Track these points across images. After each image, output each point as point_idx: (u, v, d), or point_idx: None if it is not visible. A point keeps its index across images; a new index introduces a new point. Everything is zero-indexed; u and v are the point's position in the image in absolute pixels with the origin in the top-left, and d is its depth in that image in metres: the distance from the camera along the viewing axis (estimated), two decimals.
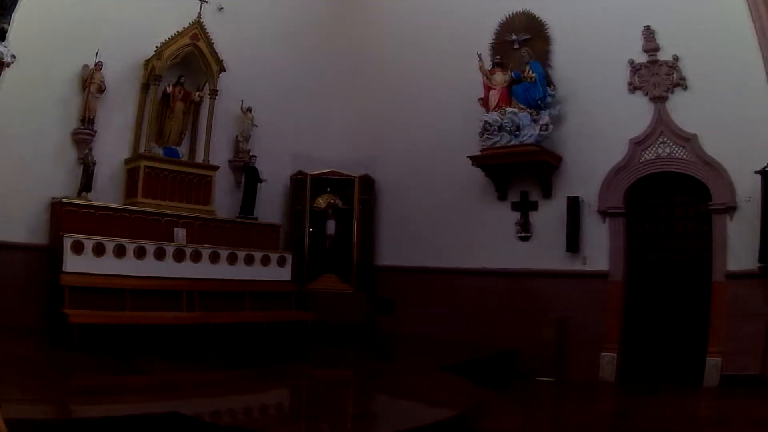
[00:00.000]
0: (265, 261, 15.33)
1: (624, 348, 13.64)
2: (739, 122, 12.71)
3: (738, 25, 12.89)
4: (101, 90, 13.80)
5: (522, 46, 15.44)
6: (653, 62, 13.92)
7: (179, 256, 13.77)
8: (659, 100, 13.75)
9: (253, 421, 7.55)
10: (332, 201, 16.91)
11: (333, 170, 17.18)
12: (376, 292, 17.15)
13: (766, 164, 12.04)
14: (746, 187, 12.47)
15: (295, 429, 7.29)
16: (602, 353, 13.51)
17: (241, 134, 16.24)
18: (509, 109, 14.57)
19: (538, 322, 13.95)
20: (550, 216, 14.60)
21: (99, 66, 13.74)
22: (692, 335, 13.00)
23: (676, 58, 13.65)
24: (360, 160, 17.51)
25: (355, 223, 17.09)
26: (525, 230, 14.93)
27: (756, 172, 12.10)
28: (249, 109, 16.22)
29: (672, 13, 13.63)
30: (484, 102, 15.15)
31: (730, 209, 12.81)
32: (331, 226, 16.94)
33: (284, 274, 15.71)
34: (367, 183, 17.42)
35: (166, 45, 14.53)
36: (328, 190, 17.12)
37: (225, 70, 15.35)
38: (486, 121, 14.75)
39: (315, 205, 17.01)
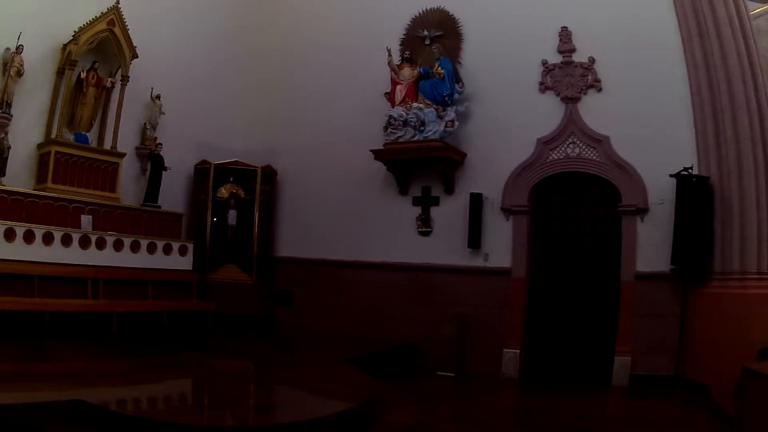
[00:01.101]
0: (167, 250, 14.54)
1: (528, 345, 13.35)
2: (654, 125, 12.63)
3: (659, 30, 12.87)
4: (20, 74, 12.99)
5: (433, 42, 14.89)
6: (568, 63, 13.59)
7: (85, 243, 13.04)
8: (571, 100, 13.45)
9: (158, 411, 7.37)
10: (234, 191, 16.04)
11: (236, 160, 16.40)
12: (275, 283, 16.58)
13: (681, 168, 11.99)
14: (660, 189, 12.36)
15: (199, 418, 7.04)
16: (505, 349, 13.23)
17: (148, 121, 15.46)
18: (415, 105, 14.05)
19: (439, 317, 13.55)
20: (451, 212, 14.15)
21: (20, 50, 12.94)
22: (600, 334, 12.80)
23: (592, 60, 13.41)
24: (264, 150, 16.76)
25: (256, 213, 16.42)
26: (426, 225, 14.46)
27: (671, 176, 12.02)
28: (158, 97, 15.43)
29: (591, 16, 13.40)
30: (391, 96, 14.56)
31: (641, 211, 12.68)
32: (232, 216, 16.12)
33: (185, 263, 14.96)
34: (270, 174, 16.67)
35: (83, 30, 13.75)
36: (231, 180, 16.13)
37: (137, 57, 14.66)
38: (391, 116, 14.20)
39: (218, 195, 16.27)
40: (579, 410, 10.65)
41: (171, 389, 8.80)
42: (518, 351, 13.24)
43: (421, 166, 14.36)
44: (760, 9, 18.40)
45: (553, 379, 12.75)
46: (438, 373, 13.13)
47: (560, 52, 13.73)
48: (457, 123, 13.96)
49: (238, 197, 16.31)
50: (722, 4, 12.35)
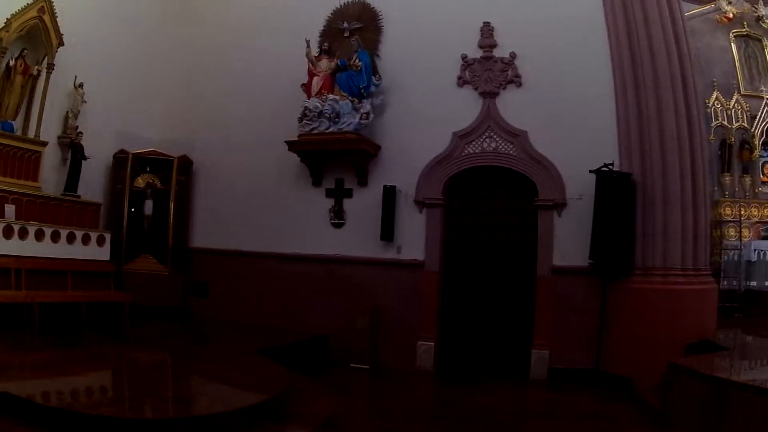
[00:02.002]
0: (86, 240, 14.03)
1: (443, 338, 13.09)
2: (576, 122, 12.58)
3: (586, 27, 12.87)
4: None
5: (353, 34, 14.42)
6: (488, 58, 13.29)
7: (8, 232, 12.41)
8: (490, 95, 13.19)
9: (81, 403, 7.18)
10: (151, 181, 15.50)
11: (153, 150, 15.80)
12: (191, 274, 15.99)
13: (602, 164, 11.87)
14: (579, 185, 12.28)
15: (120, 411, 6.82)
16: (419, 342, 12.95)
17: (71, 110, 15.20)
18: (331, 96, 13.51)
19: (353, 309, 13.17)
20: (365, 204, 13.74)
21: None
22: (517, 328, 12.68)
23: (513, 56, 13.19)
24: (182, 140, 16.20)
25: (171, 204, 15.83)
26: (338, 217, 14.01)
27: (591, 171, 11.87)
28: (81, 85, 14.99)
29: (516, 11, 13.25)
30: (307, 88, 13.99)
31: (559, 206, 12.59)
32: (149, 207, 15.35)
33: (103, 253, 14.40)
34: (186, 164, 16.06)
35: (15, 16, 13.28)
36: (148, 169, 15.37)
37: (63, 45, 14.46)
38: (306, 107, 13.64)
39: (135, 185, 15.65)
40: (496, 403, 10.55)
41: (93, 381, 8.58)
42: (433, 344, 12.96)
43: (335, 157, 13.78)
44: (695, 10, 18.51)
45: (470, 372, 12.52)
46: (352, 365, 12.86)
47: (481, 47, 13.46)
48: (372, 115, 13.43)
49: (155, 187, 15.72)
50: (654, 4, 12.23)
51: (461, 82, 13.47)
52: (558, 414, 10.15)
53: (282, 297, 14.27)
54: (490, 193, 13.27)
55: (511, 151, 12.97)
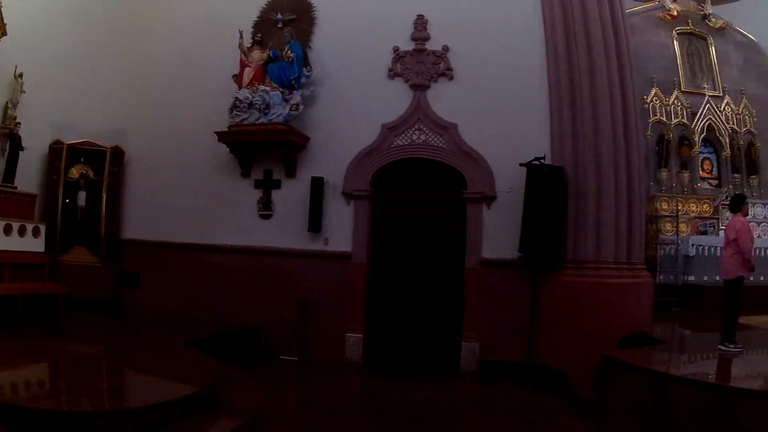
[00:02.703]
0: (22, 231, 13.84)
1: (372, 330, 13.13)
2: (508, 115, 12.63)
3: (522, 21, 12.96)
4: None
5: (286, 25, 14.26)
6: (420, 51, 13.27)
7: None
8: (420, 88, 13.17)
9: (20, 397, 6.98)
10: (85, 172, 15.53)
11: (87, 140, 15.47)
12: (123, 265, 15.75)
13: (533, 157, 11.93)
14: (510, 178, 12.31)
15: (58, 404, 6.71)
16: (347, 334, 12.91)
17: (10, 100, 15.09)
18: (262, 87, 13.38)
19: (282, 300, 13.12)
20: (293, 195, 13.63)
21: None
22: (447, 320, 12.69)
23: (446, 49, 13.18)
24: (116, 131, 15.96)
25: (104, 195, 15.44)
26: (267, 209, 13.86)
27: (521, 165, 11.93)
28: (20, 75, 15.04)
29: (450, 4, 13.29)
30: (239, 79, 13.90)
31: (488, 198, 12.63)
32: (82, 198, 14.98)
33: (38, 245, 14.34)
34: (118, 155, 15.78)
35: None
36: (82, 160, 15.29)
37: (6, 34, 14.32)
38: (237, 98, 13.52)
39: (69, 176, 15.36)
40: (426, 395, 10.55)
41: (30, 374, 8.40)
42: (361, 335, 12.94)
43: (265, 149, 13.62)
44: (638, 7, 18.48)
45: (399, 365, 12.51)
46: (282, 357, 12.79)
47: (414, 39, 13.42)
48: (302, 107, 13.38)
49: (88, 178, 15.61)
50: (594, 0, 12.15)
51: (392, 74, 13.39)
52: (490, 406, 10.10)
53: (212, 288, 14.04)
54: (419, 185, 13.19)
55: (440, 144, 12.93)
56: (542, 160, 11.99)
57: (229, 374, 8.85)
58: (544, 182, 11.85)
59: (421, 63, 13.26)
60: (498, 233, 12.44)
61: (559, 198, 11.93)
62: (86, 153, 15.36)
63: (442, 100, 13.06)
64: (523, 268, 12.23)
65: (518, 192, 12.12)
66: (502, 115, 12.63)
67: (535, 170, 11.89)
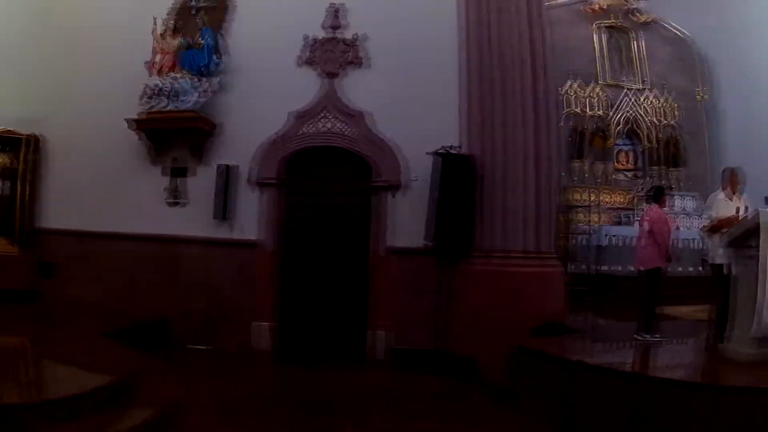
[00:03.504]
0: None
1: (282, 319, 12.91)
2: (419, 104, 12.48)
3: (437, 11, 12.87)
4: None
5: (201, 12, 14.15)
6: (331, 39, 13.15)
7: None
8: (330, 75, 13.03)
9: None
10: (2, 160, 15.70)
11: (5, 129, 15.19)
12: (41, 255, 15.44)
13: (440, 146, 11.90)
14: (420, 166, 12.29)
15: None
16: (257, 323, 12.76)
17: None
18: (172, 74, 13.22)
19: (192, 289, 12.92)
20: (201, 183, 13.46)
21: None
22: (356, 308, 12.56)
23: (356, 37, 13.07)
24: (35, 118, 15.55)
25: (20, 183, 15.13)
26: (175, 196, 13.74)
27: (428, 153, 11.94)
28: None
29: None
30: (151, 66, 13.90)
31: (395, 187, 12.56)
32: None
33: None
34: (35, 143, 15.48)
35: None
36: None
37: None
38: (147, 85, 13.31)
39: None
40: (336, 384, 10.53)
41: None
42: (270, 324, 12.80)
43: (174, 136, 13.52)
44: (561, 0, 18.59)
45: (309, 353, 12.40)
46: (193, 346, 12.59)
47: (326, 27, 13.31)
48: (211, 94, 13.18)
49: (6, 167, 15.57)
50: None
51: (302, 62, 13.25)
52: (401, 394, 10.13)
53: (125, 278, 13.78)
54: (326, 173, 13.16)
55: (348, 132, 12.86)
56: (451, 149, 12.06)
57: (145, 364, 8.83)
58: (453, 171, 11.85)
59: (331, 51, 13.14)
60: (405, 222, 12.43)
61: (467, 187, 11.91)
62: (4, 141, 15.15)
63: (351, 88, 13.00)
64: (431, 257, 12.17)
65: (426, 181, 12.13)
66: (413, 103, 12.53)
67: (444, 159, 11.91)
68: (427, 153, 11.97)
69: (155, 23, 13.79)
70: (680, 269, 17.21)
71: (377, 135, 12.67)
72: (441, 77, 12.60)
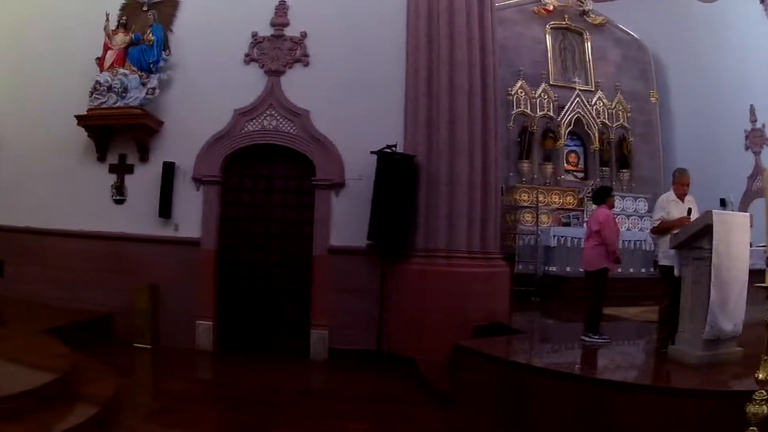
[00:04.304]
0: None
1: (222, 317, 12.92)
2: (363, 103, 12.63)
3: (385, 11, 13.04)
4: None
5: (151, 8, 14.06)
6: (278, 37, 13.18)
7: None
8: (275, 74, 13.06)
9: None
10: None
11: None
12: None
13: (383, 145, 11.95)
14: (362, 165, 12.25)
15: None
16: (198, 321, 12.75)
17: None
18: (121, 71, 13.09)
19: (134, 287, 12.83)
20: (146, 180, 13.37)
21: None
22: (296, 307, 12.61)
23: (303, 35, 13.13)
24: None
25: None
26: (120, 194, 13.57)
27: (372, 152, 11.91)
28: None
29: None
30: (101, 62, 13.76)
31: (337, 186, 12.62)
32: None
33: None
34: None
35: None
36: None
37: None
38: (97, 81, 13.14)
39: None
40: (277, 383, 10.50)
41: None
42: (211, 323, 12.78)
43: (120, 133, 13.49)
44: (512, 0, 18.71)
45: (250, 352, 12.43)
46: (135, 344, 12.53)
47: (273, 25, 13.32)
48: (158, 91, 13.14)
49: None
50: None
51: (248, 59, 13.28)
52: (340, 394, 10.16)
53: (69, 275, 13.67)
54: (268, 171, 13.14)
55: (291, 130, 12.91)
56: (394, 148, 12.11)
57: (84, 362, 8.87)
58: (395, 170, 11.89)
59: (277, 48, 13.18)
60: (347, 221, 12.48)
61: (409, 186, 11.99)
62: None
63: (296, 86, 13.02)
64: (372, 256, 12.27)
65: (369, 180, 12.08)
66: (358, 102, 12.64)
67: (385, 158, 11.93)
68: (371, 152, 11.94)
69: (107, 19, 13.68)
70: (631, 270, 17.44)
71: (321, 133, 12.72)
72: (387, 76, 12.72)
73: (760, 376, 5.19)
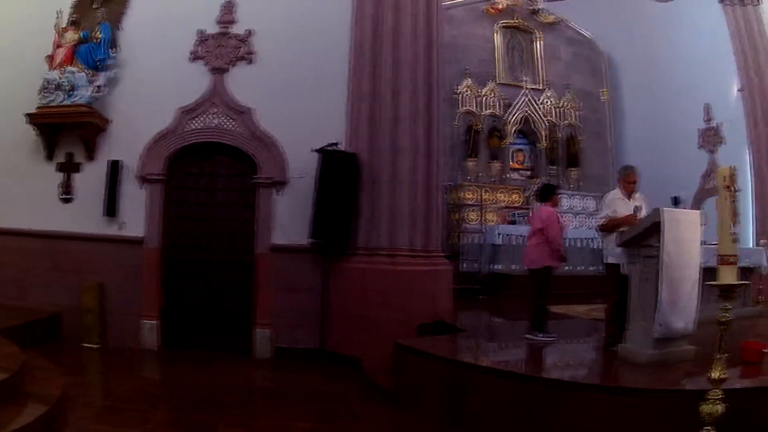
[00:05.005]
0: None
1: (167, 316, 12.89)
2: (306, 100, 12.74)
3: (331, 9, 13.21)
4: None
5: (101, 6, 14.02)
6: (224, 34, 13.22)
7: None
8: (219, 71, 13.12)
9: None
10: None
11: None
12: None
13: (326, 143, 12.06)
14: (306, 163, 12.34)
15: None
16: (143, 320, 12.73)
17: None
18: (69, 69, 13.08)
19: (81, 287, 12.78)
20: (92, 179, 13.33)
21: None
22: (240, 306, 12.63)
23: (249, 33, 13.18)
24: None
25: None
26: (67, 192, 13.65)
27: (314, 150, 12.00)
28: None
29: None
30: (51, 59, 13.78)
31: (279, 184, 12.70)
32: None
33: None
34: None
35: None
36: None
37: None
38: (46, 79, 13.37)
39: None
40: (222, 382, 10.52)
41: None
42: (156, 322, 12.81)
43: (68, 131, 13.52)
44: None
45: (195, 351, 12.41)
46: (83, 343, 12.49)
47: (219, 22, 13.38)
48: (106, 89, 13.23)
49: None
50: None
51: (194, 57, 13.33)
52: (285, 393, 10.22)
53: (17, 274, 13.70)
54: (211, 169, 13.22)
55: (235, 128, 12.99)
56: (337, 146, 12.28)
57: (33, 362, 8.90)
58: (338, 168, 12.02)
59: (222, 46, 13.23)
60: (289, 219, 12.58)
61: (351, 184, 12.15)
62: None
63: (240, 84, 13.12)
64: (315, 255, 12.36)
65: (312, 178, 12.20)
66: (301, 100, 12.75)
67: (328, 156, 12.05)
68: (312, 150, 12.04)
69: (58, 17, 13.77)
70: (580, 268, 17.61)
71: (264, 131, 12.82)
72: (332, 74, 12.85)
73: (714, 375, 5.17)
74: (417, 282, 11.79)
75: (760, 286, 13.70)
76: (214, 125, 13.08)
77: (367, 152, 12.30)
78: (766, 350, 8.23)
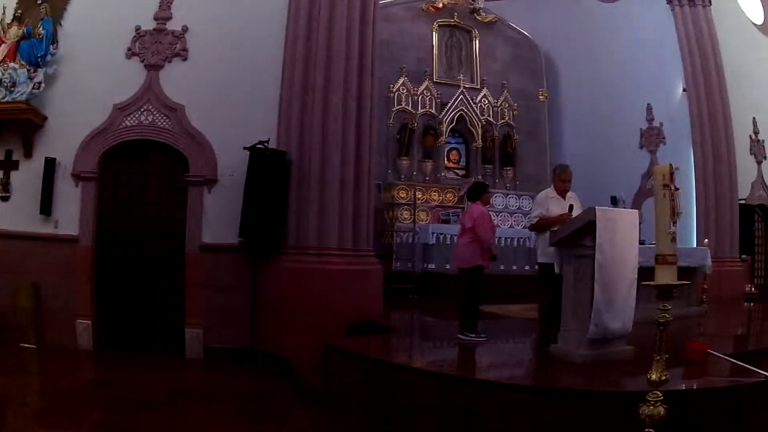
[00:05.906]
0: None
1: (101, 316, 12.84)
2: (238, 98, 12.90)
3: (265, 5, 13.43)
4: None
5: (44, 2, 14.04)
6: (160, 31, 13.24)
7: None
8: (154, 68, 13.14)
9: None
10: None
11: None
12: None
13: (257, 141, 12.16)
14: (236, 162, 12.44)
15: None
16: (78, 320, 12.65)
17: None
18: (11, 65, 13.32)
19: (16, 286, 12.71)
20: (29, 176, 13.25)
21: None
22: (171, 306, 12.61)
23: (184, 29, 13.26)
24: None
25: None
26: (5, 190, 13.61)
27: (245, 148, 12.08)
28: None
29: None
30: None
31: (209, 182, 12.80)
32: None
33: None
34: None
35: None
36: None
37: None
38: None
39: None
40: (153, 383, 10.55)
41: None
42: (90, 322, 12.74)
43: (7, 128, 13.56)
44: None
45: (128, 351, 12.42)
46: (21, 345, 12.35)
47: (156, 18, 13.39)
48: (44, 85, 13.28)
49: None
50: None
51: (130, 53, 13.32)
52: (214, 393, 10.32)
53: None
54: (144, 167, 13.21)
55: (167, 125, 13.04)
56: (266, 144, 12.30)
57: None
58: (267, 166, 12.12)
59: (158, 43, 13.26)
60: (219, 218, 12.67)
61: (280, 182, 12.32)
62: None
63: (174, 81, 13.16)
64: (245, 254, 12.44)
65: (242, 176, 12.28)
66: (233, 98, 12.89)
67: (257, 154, 12.13)
68: (244, 148, 12.11)
69: (3, 12, 13.84)
70: (514, 267, 18.05)
71: (196, 129, 12.90)
72: (265, 71, 12.95)
73: (654, 376, 5.18)
74: (346, 281, 11.90)
75: (705, 286, 14.04)
76: (147, 122, 13.07)
77: (298, 150, 12.36)
78: (710, 350, 8.53)
